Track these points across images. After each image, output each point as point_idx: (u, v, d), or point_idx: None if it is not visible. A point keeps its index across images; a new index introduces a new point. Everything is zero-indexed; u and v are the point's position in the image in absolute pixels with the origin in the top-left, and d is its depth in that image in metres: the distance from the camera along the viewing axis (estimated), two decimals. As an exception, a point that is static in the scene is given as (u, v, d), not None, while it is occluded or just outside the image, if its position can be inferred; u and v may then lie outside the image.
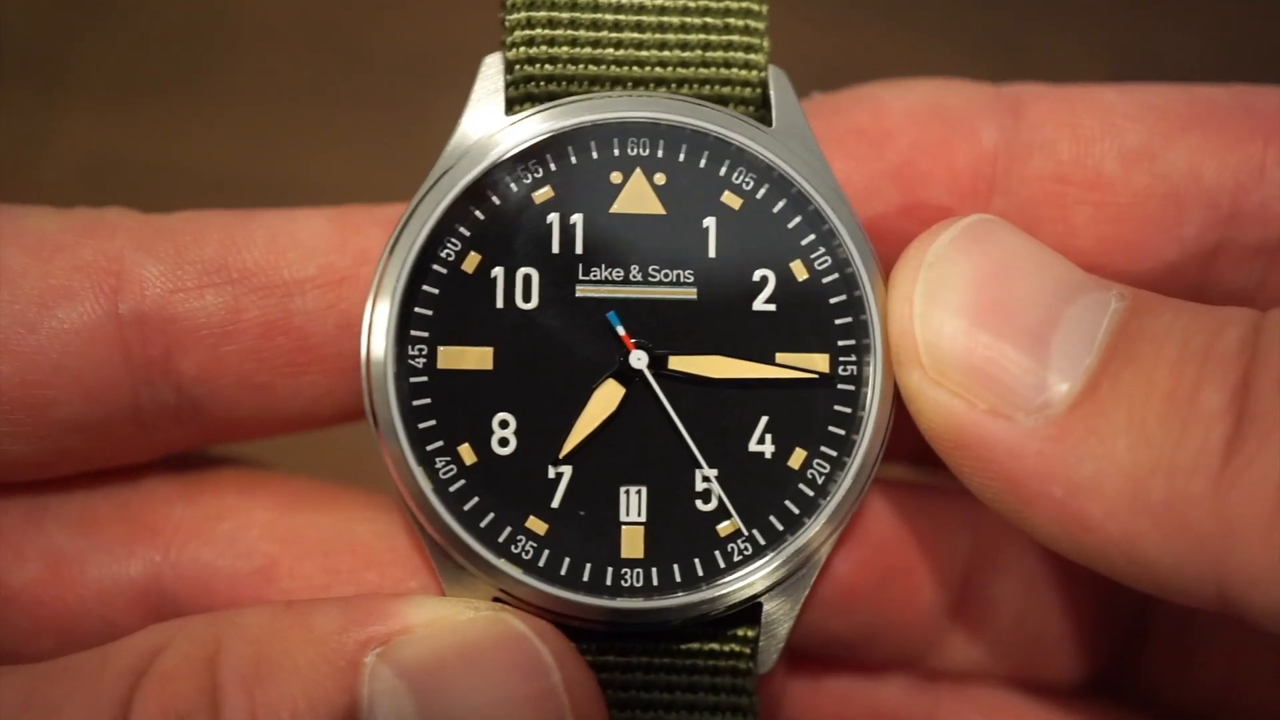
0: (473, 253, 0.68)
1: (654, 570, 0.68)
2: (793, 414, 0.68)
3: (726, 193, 0.68)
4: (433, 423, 0.68)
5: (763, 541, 0.68)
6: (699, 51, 0.69)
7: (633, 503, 0.68)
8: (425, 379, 0.68)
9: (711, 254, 0.68)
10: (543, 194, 0.68)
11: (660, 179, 0.68)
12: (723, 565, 0.68)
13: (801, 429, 0.68)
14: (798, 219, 0.68)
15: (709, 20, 0.69)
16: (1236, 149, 0.70)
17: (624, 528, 0.68)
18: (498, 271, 0.68)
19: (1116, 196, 0.71)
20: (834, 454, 0.68)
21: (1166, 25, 1.38)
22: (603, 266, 0.68)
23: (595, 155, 0.68)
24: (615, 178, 0.68)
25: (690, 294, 0.68)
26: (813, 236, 0.68)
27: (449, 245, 0.68)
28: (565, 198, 0.68)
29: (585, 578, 0.68)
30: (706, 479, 0.68)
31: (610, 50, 0.69)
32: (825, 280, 0.68)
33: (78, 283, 0.68)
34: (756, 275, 0.68)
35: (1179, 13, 1.39)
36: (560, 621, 0.67)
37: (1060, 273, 0.63)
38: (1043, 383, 0.60)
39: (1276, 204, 0.71)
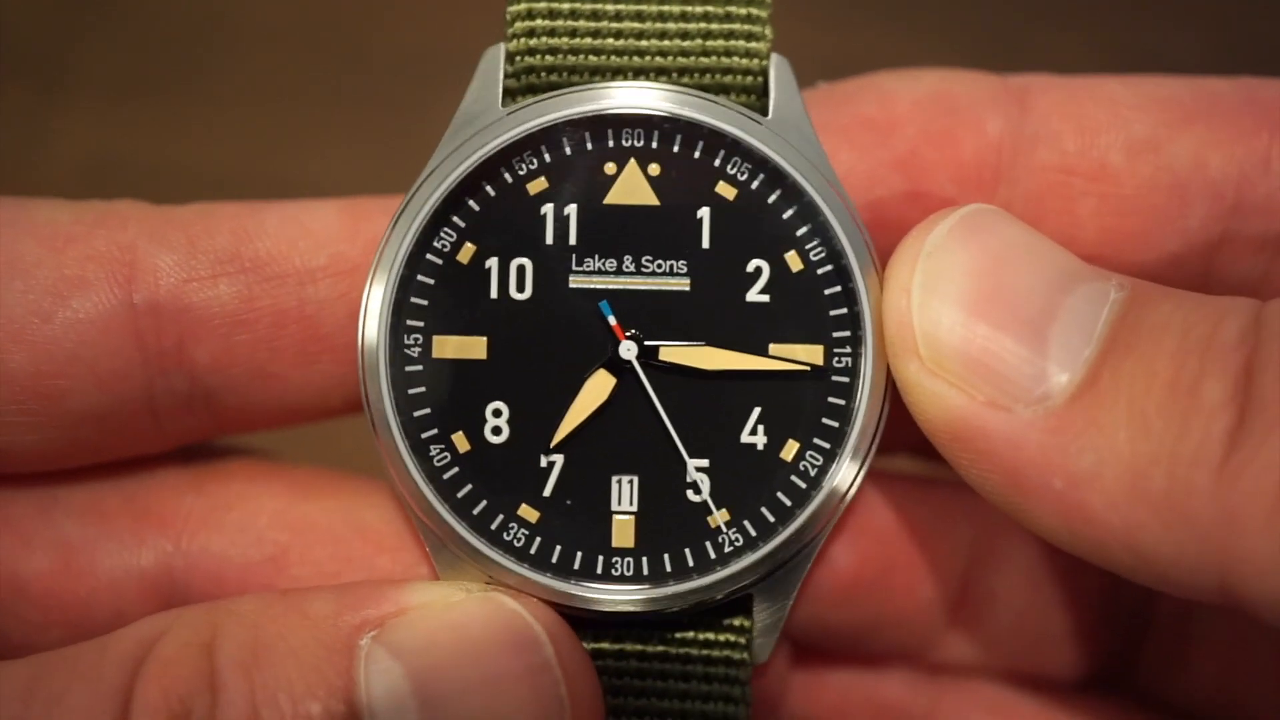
0: (468, 243, 0.68)
1: (644, 560, 0.68)
2: (785, 405, 0.68)
3: (721, 183, 0.69)
4: (427, 411, 0.68)
5: (754, 532, 0.68)
6: (699, 41, 0.69)
7: (624, 492, 0.68)
8: (420, 368, 0.68)
9: (705, 245, 0.68)
10: (537, 185, 0.68)
11: (654, 170, 0.69)
12: (713, 556, 0.68)
13: (794, 420, 0.68)
14: (792, 210, 0.68)
15: (710, 9, 0.69)
16: (1241, 141, 0.70)
17: (615, 517, 0.68)
18: (492, 262, 0.68)
19: (1121, 188, 0.71)
20: (827, 445, 0.68)
21: (1167, 25, 1.38)
22: (596, 257, 0.68)
23: (589, 146, 0.68)
24: (609, 169, 0.69)
25: (684, 285, 0.68)
26: (807, 228, 0.68)
27: (444, 235, 0.68)
28: (559, 189, 0.68)
29: (576, 566, 0.68)
30: (698, 469, 0.68)
31: (610, 41, 0.69)
32: (820, 271, 0.68)
33: (91, 272, 0.69)
34: (750, 266, 0.68)
35: (1179, 12, 1.39)
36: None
37: (1059, 262, 0.63)
38: (1042, 373, 0.60)
39: None
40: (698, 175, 0.69)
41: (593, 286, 0.68)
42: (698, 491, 0.68)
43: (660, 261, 0.68)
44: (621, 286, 0.68)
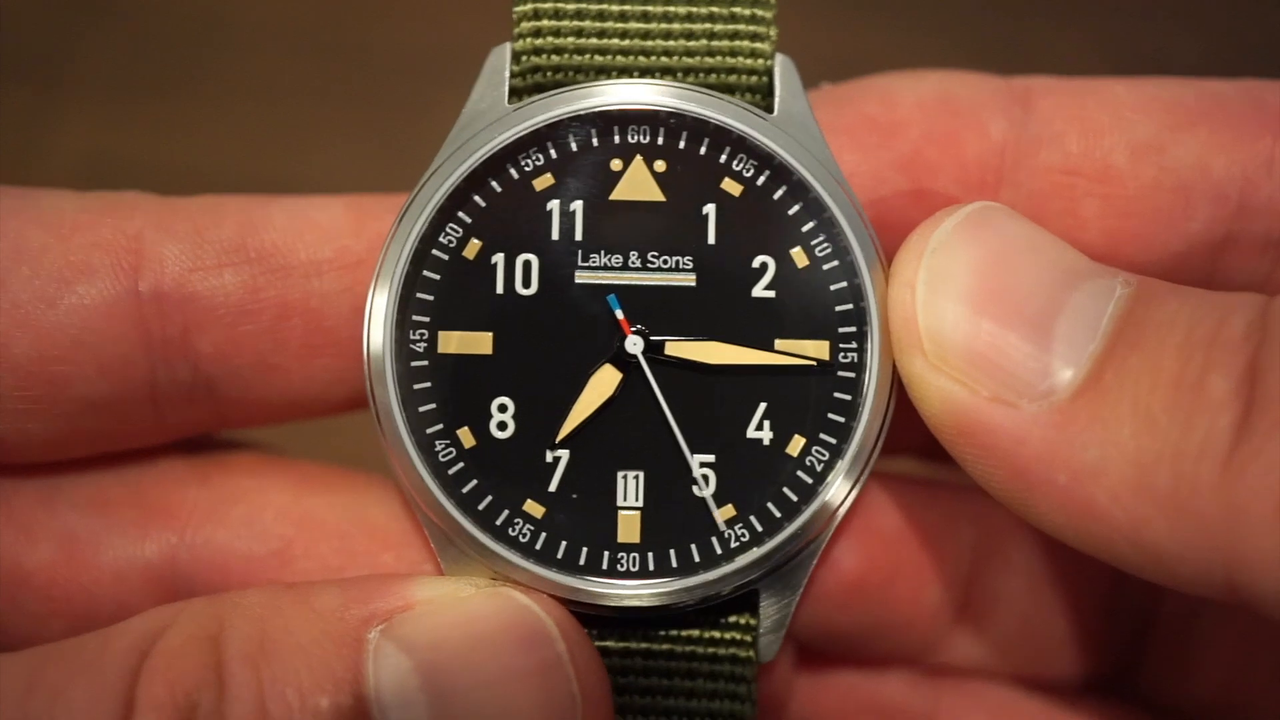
0: (473, 239, 0.68)
1: (650, 555, 0.68)
2: (791, 401, 0.68)
3: (726, 180, 0.69)
4: (432, 406, 0.68)
5: (760, 528, 0.68)
6: (704, 41, 0.69)
7: (630, 488, 0.68)
8: (425, 363, 0.68)
9: (711, 241, 0.69)
10: (543, 181, 0.69)
11: (660, 166, 0.69)
12: (719, 552, 0.68)
13: (800, 416, 0.68)
14: (798, 206, 0.69)
15: (715, 9, 0.69)
16: (1245, 143, 0.70)
17: (620, 512, 0.68)
18: (498, 258, 0.68)
19: (1125, 189, 0.71)
20: (833, 441, 0.68)
21: (1167, 24, 1.38)
22: (602, 253, 0.68)
23: (595, 143, 0.69)
24: (615, 165, 0.69)
25: (689, 280, 0.68)
26: (813, 224, 0.68)
27: (450, 231, 0.68)
28: (565, 185, 0.69)
29: (581, 562, 0.68)
30: (704, 465, 0.68)
31: (616, 40, 0.69)
32: (826, 267, 0.68)
33: (97, 260, 0.69)
34: (756, 262, 0.68)
35: (1179, 12, 1.39)
36: None
37: (1064, 259, 0.63)
38: (1046, 369, 0.60)
39: None
40: (703, 171, 0.69)
41: (599, 282, 0.68)
42: (703, 487, 0.68)
43: (666, 257, 0.68)
44: (627, 282, 0.68)
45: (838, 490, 0.68)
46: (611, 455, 0.68)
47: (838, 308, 0.68)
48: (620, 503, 0.68)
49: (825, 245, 0.68)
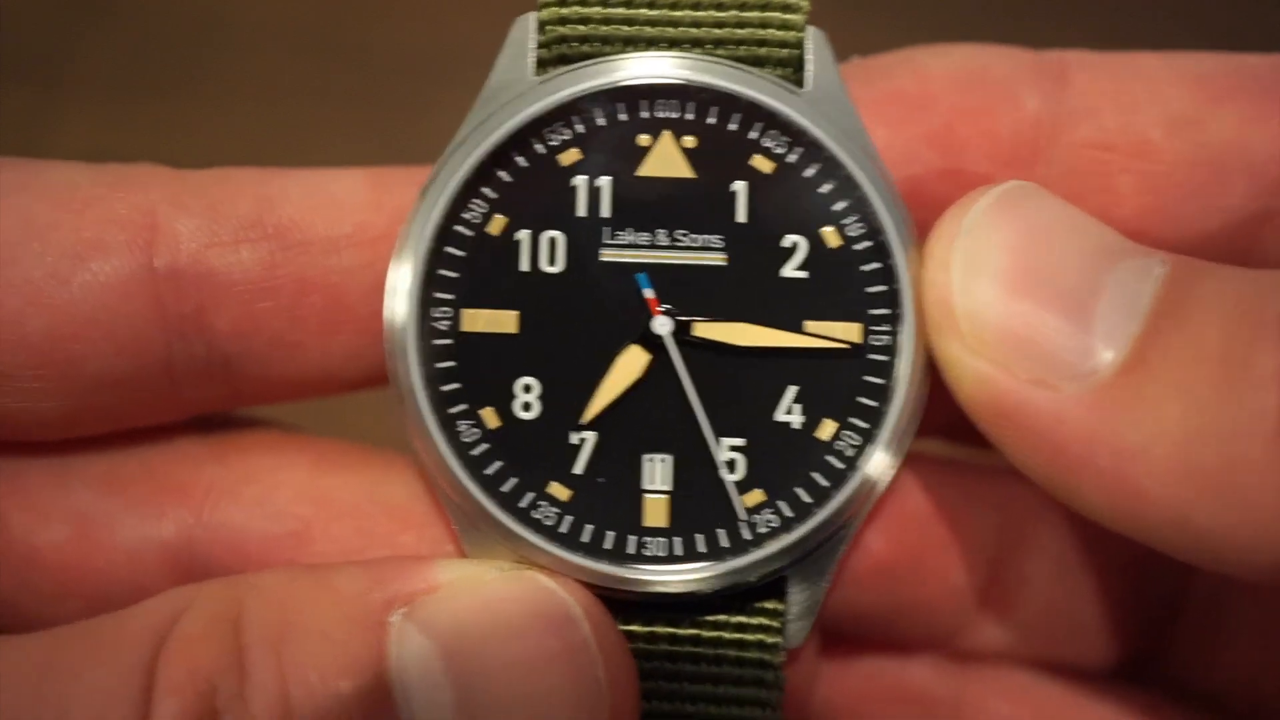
0: (498, 215, 0.67)
1: (677, 540, 0.67)
2: (822, 384, 0.67)
3: (757, 157, 0.67)
4: (456, 386, 0.67)
5: (789, 514, 0.67)
6: (735, 11, 0.68)
7: (657, 471, 0.67)
8: (449, 342, 0.67)
9: (741, 219, 0.67)
10: (570, 156, 0.67)
11: (690, 142, 0.67)
12: (748, 537, 0.67)
13: (831, 400, 0.67)
14: (830, 184, 0.67)
15: None
16: None
17: (647, 496, 0.67)
18: (523, 234, 0.67)
19: (1161, 164, 0.70)
20: (865, 426, 0.67)
21: (1167, 24, 1.39)
22: (630, 230, 0.67)
23: (623, 117, 0.67)
24: (643, 140, 0.67)
25: (719, 260, 0.67)
26: (845, 203, 0.67)
27: (474, 207, 0.67)
28: (592, 160, 0.67)
29: (607, 546, 0.67)
30: (733, 449, 0.67)
31: (644, 10, 0.68)
32: (857, 247, 0.67)
33: (111, 235, 0.68)
34: (787, 241, 0.67)
35: (1179, 12, 1.39)
36: None
37: (1101, 238, 0.62)
38: (1087, 349, 0.59)
39: None
40: (734, 148, 0.67)
41: (626, 260, 0.67)
42: (732, 471, 0.67)
43: (695, 235, 0.67)
44: (655, 260, 0.67)
45: (869, 475, 0.67)
46: (638, 438, 0.67)
47: (869, 289, 0.67)
48: (647, 486, 0.67)
49: (858, 224, 0.67)
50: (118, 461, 0.72)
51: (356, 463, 0.73)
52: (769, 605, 0.68)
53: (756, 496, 0.67)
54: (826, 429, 0.67)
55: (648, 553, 0.67)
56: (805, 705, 0.77)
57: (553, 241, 0.67)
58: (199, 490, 0.71)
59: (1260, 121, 0.70)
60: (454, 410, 0.67)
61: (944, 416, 0.68)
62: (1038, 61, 0.72)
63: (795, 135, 0.67)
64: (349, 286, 0.70)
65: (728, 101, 0.67)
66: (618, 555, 0.67)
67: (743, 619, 0.68)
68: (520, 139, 0.67)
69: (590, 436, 0.67)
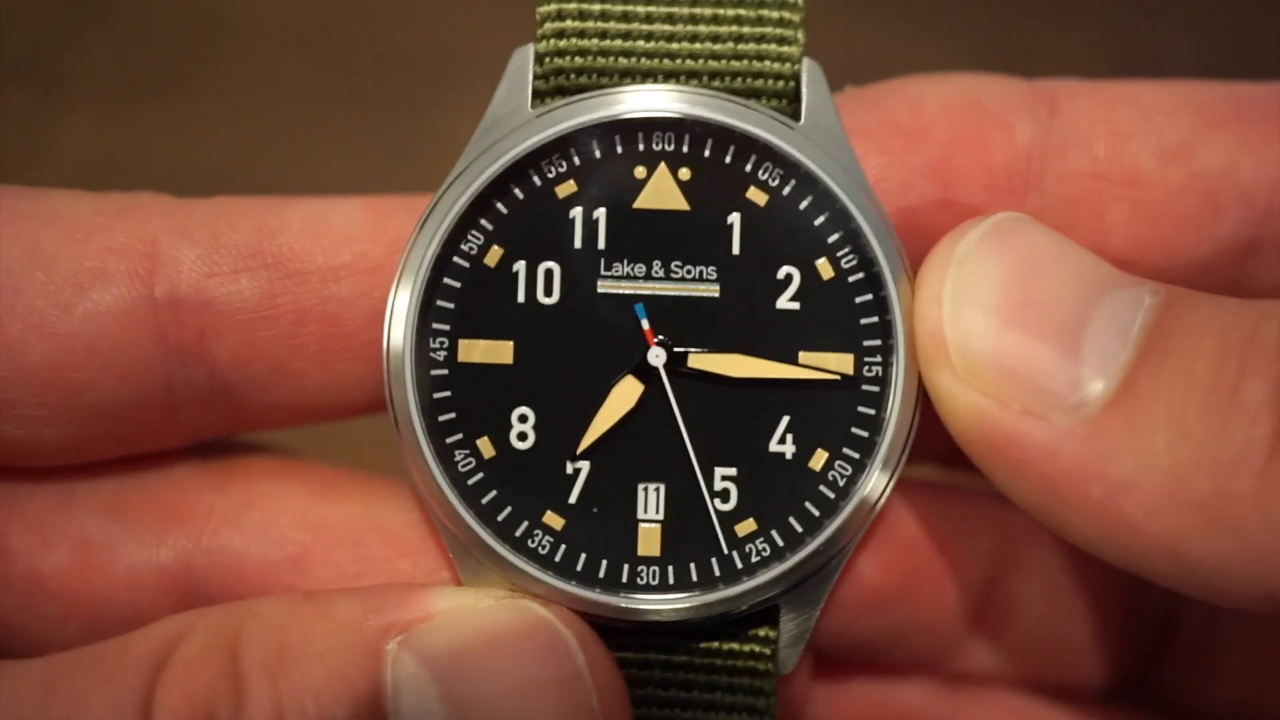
0: (495, 246, 0.68)
1: (670, 569, 0.68)
2: (815, 414, 0.68)
3: (752, 188, 0.68)
4: (452, 415, 0.67)
5: (781, 543, 0.68)
6: (731, 44, 0.68)
7: (650, 500, 0.68)
8: (445, 371, 0.67)
9: (735, 251, 0.68)
10: (566, 188, 0.68)
11: (685, 174, 0.68)
12: (740, 566, 0.67)
13: (824, 430, 0.68)
14: (824, 216, 0.68)
15: (742, 12, 0.69)
16: (1273, 146, 0.70)
17: (641, 525, 0.68)
18: (520, 265, 0.68)
19: (1152, 193, 0.71)
20: (856, 456, 0.68)
21: (1167, 24, 1.38)
22: (625, 262, 0.68)
23: (619, 150, 0.68)
24: (639, 172, 0.68)
25: (713, 291, 0.68)
26: (839, 234, 0.68)
27: (471, 238, 0.68)
28: (589, 192, 0.68)
29: (601, 574, 0.67)
30: (725, 478, 0.68)
31: (641, 43, 0.68)
32: (851, 279, 0.68)
33: (113, 265, 0.68)
34: (781, 273, 0.68)
35: (1179, 12, 1.39)
36: None
37: (1091, 269, 0.62)
38: (1077, 380, 0.60)
39: None
40: (729, 180, 0.68)
41: (621, 291, 0.68)
42: (725, 500, 0.67)
43: (690, 267, 0.68)
44: (650, 292, 0.68)
45: (861, 505, 0.67)
46: (632, 467, 0.68)
47: (863, 320, 0.68)
48: (641, 515, 0.68)
49: (851, 257, 0.68)
50: (119, 487, 0.72)
51: (354, 489, 0.74)
52: (761, 632, 0.69)
53: (749, 526, 0.68)
54: (819, 459, 0.68)
55: (641, 581, 0.67)
56: None
57: (549, 273, 0.68)
58: (199, 516, 0.72)
59: (1252, 150, 0.70)
60: (450, 440, 0.67)
61: (936, 442, 0.68)
62: (1030, 90, 0.72)
63: (790, 168, 0.68)
64: (347, 315, 0.70)
65: (723, 135, 0.67)
66: (611, 584, 0.67)
67: (735, 646, 0.69)
68: (518, 171, 0.67)
69: (585, 466, 0.67)
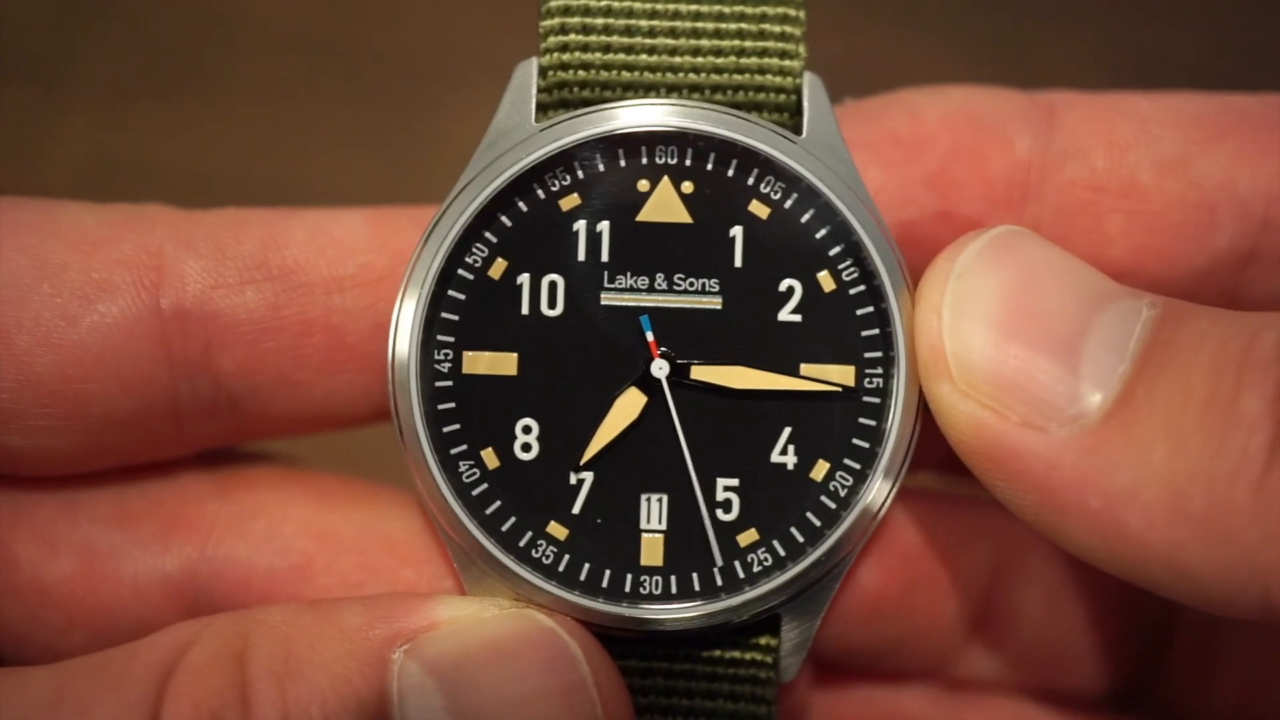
0: (499, 259, 0.68)
1: (673, 578, 0.68)
2: (816, 426, 0.68)
3: (754, 202, 0.68)
4: (457, 426, 0.68)
5: (783, 553, 0.68)
6: (733, 58, 0.69)
7: (653, 510, 0.68)
8: (450, 383, 0.68)
9: (738, 263, 0.68)
10: (570, 201, 0.68)
11: (688, 187, 0.68)
12: (742, 575, 0.68)
13: (825, 441, 0.68)
14: (825, 229, 0.68)
15: (744, 26, 0.69)
16: (1270, 158, 0.70)
17: (644, 535, 0.68)
18: (523, 278, 0.68)
19: (1150, 204, 0.71)
20: (857, 466, 0.68)
21: (1167, 25, 1.39)
22: (628, 274, 0.68)
23: (622, 163, 0.68)
24: (643, 186, 0.68)
25: (715, 304, 0.68)
26: (840, 248, 0.68)
27: (476, 251, 0.68)
28: (592, 205, 0.68)
29: (605, 584, 0.68)
30: (728, 489, 0.68)
31: (644, 56, 0.69)
32: (852, 292, 0.68)
33: (119, 277, 0.69)
34: (783, 285, 0.68)
35: (1179, 13, 1.39)
36: None
37: (1089, 282, 0.63)
38: (1075, 392, 0.60)
39: None
40: (731, 193, 0.68)
41: (625, 304, 0.68)
42: (727, 510, 0.68)
43: (692, 280, 0.68)
44: (653, 304, 0.68)
45: (862, 515, 0.68)
46: (636, 478, 0.68)
47: (864, 333, 0.68)
48: (644, 525, 0.68)
49: (852, 269, 0.68)
50: (124, 497, 0.73)
51: (359, 498, 0.74)
52: (763, 641, 0.69)
53: (751, 536, 0.68)
54: (820, 470, 0.68)
55: (644, 591, 0.68)
56: None
57: (553, 285, 0.68)
58: (204, 525, 0.72)
59: (1249, 161, 0.71)
60: (455, 451, 0.68)
61: (937, 449, 0.69)
62: (1029, 102, 0.73)
63: (791, 181, 0.68)
64: (352, 326, 0.71)
65: (725, 148, 0.68)
66: (614, 593, 0.68)
67: (737, 654, 0.69)
68: (522, 184, 0.68)
69: (588, 477, 0.68)
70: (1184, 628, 0.81)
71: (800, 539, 0.68)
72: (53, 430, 0.69)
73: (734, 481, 0.68)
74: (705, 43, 0.69)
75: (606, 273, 0.68)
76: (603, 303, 0.68)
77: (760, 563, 0.68)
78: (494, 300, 0.68)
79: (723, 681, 0.69)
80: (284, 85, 1.39)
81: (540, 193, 0.68)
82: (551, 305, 0.68)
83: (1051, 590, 0.79)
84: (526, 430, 0.68)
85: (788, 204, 0.68)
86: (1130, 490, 0.58)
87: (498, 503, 0.68)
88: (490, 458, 0.68)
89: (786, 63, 0.69)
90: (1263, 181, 0.71)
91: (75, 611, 0.71)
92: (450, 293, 0.68)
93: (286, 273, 0.70)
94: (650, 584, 0.68)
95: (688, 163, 0.68)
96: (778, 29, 0.69)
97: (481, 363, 0.68)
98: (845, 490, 0.68)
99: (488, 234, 0.68)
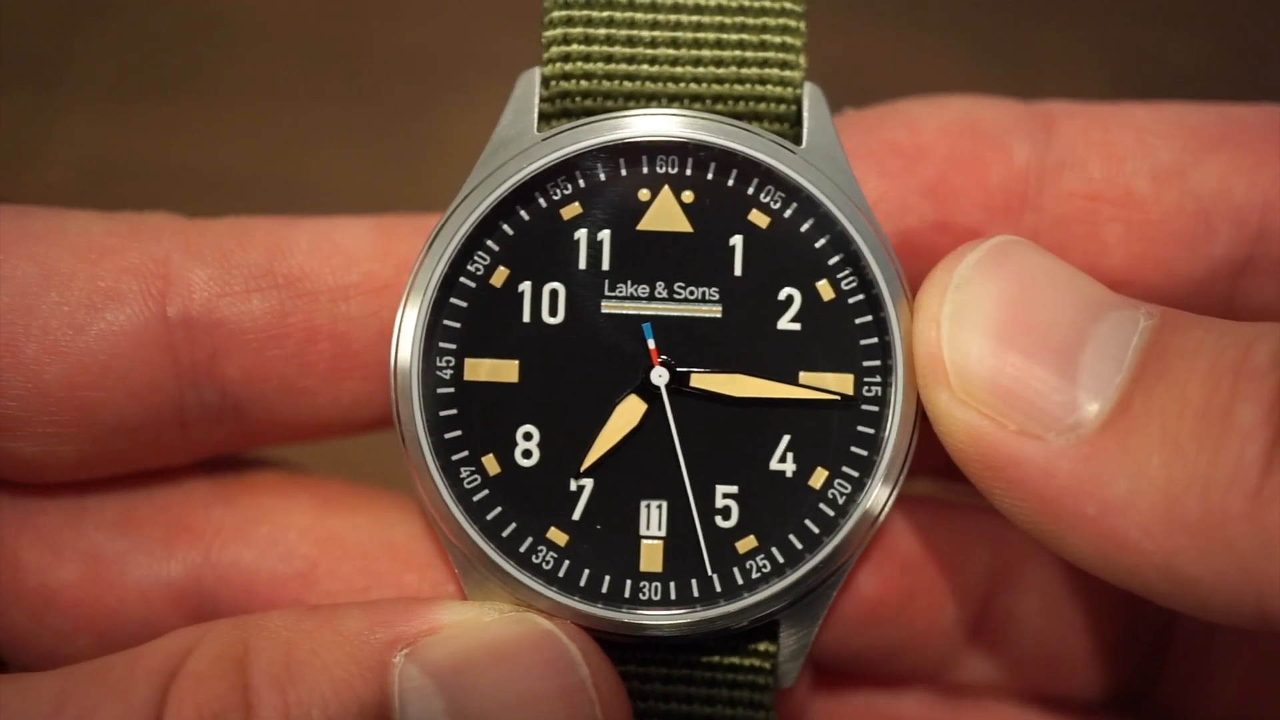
0: (501, 267, 0.69)
1: (672, 585, 0.69)
2: (815, 433, 0.69)
3: (754, 211, 0.69)
4: (458, 433, 0.68)
5: (781, 559, 0.69)
6: (734, 68, 0.69)
7: (653, 517, 0.69)
8: (451, 390, 0.68)
9: (738, 272, 0.69)
10: (571, 210, 0.69)
11: (688, 197, 0.69)
12: (740, 582, 0.68)
13: (824, 449, 0.69)
14: (824, 239, 0.69)
15: (745, 37, 0.69)
16: (1265, 168, 0.71)
17: (644, 542, 0.69)
18: (525, 286, 0.69)
19: (1147, 214, 0.72)
20: (856, 474, 0.69)
21: (1167, 25, 1.39)
22: (629, 283, 0.69)
23: (623, 172, 0.69)
24: (643, 195, 0.69)
25: (715, 312, 0.69)
26: (839, 257, 0.69)
27: (478, 259, 0.68)
28: (593, 214, 0.69)
29: (604, 590, 0.68)
30: (727, 496, 0.69)
31: (645, 67, 0.69)
32: (851, 301, 0.69)
33: (126, 285, 0.69)
34: (782, 294, 0.69)
35: (1179, 13, 1.40)
36: None
37: (1087, 291, 0.63)
38: (1073, 401, 0.61)
39: None
40: (731, 203, 0.69)
41: (625, 312, 0.68)
42: (726, 517, 0.68)
43: (693, 288, 0.69)
44: (654, 312, 0.68)
45: (860, 521, 0.68)
46: (635, 484, 0.68)
47: (862, 341, 0.69)
48: (644, 532, 0.69)
49: (851, 279, 0.69)
50: (129, 503, 0.74)
51: (361, 504, 0.75)
52: (761, 647, 0.70)
53: (749, 542, 0.68)
54: (819, 477, 0.69)
55: (643, 597, 0.68)
56: None
57: (554, 293, 0.69)
58: (208, 531, 0.73)
59: (1245, 171, 0.71)
60: (456, 457, 0.68)
61: (935, 457, 0.69)
62: (1027, 112, 0.73)
63: (791, 191, 0.68)
64: (356, 334, 0.71)
65: (726, 158, 0.68)
66: (614, 599, 0.68)
67: (735, 660, 0.70)
68: (523, 193, 0.68)
69: (588, 483, 0.68)
70: (1181, 634, 0.81)
71: (799, 546, 0.68)
72: (59, 437, 0.69)
73: (733, 488, 0.68)
74: (706, 53, 0.69)
75: (607, 281, 0.69)
76: (603, 311, 0.69)
77: (759, 569, 0.68)
78: (496, 308, 0.68)
79: (721, 687, 0.70)
80: (284, 85, 1.40)
81: (542, 201, 0.69)
82: (553, 313, 0.69)
83: (1049, 597, 0.79)
84: (527, 437, 0.68)
85: (787, 213, 0.69)
86: (1127, 498, 0.59)
87: (498, 508, 0.68)
88: (491, 464, 0.68)
89: (787, 73, 0.69)
90: (1259, 191, 0.71)
91: (80, 617, 0.72)
92: (452, 300, 0.68)
93: (292, 281, 0.71)
94: (649, 590, 0.68)
95: (688, 172, 0.69)
96: (778, 39, 0.69)
97: (483, 370, 0.69)
98: (844, 497, 0.68)
99: (490, 242, 0.69)
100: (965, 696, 0.81)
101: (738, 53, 0.69)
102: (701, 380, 0.68)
